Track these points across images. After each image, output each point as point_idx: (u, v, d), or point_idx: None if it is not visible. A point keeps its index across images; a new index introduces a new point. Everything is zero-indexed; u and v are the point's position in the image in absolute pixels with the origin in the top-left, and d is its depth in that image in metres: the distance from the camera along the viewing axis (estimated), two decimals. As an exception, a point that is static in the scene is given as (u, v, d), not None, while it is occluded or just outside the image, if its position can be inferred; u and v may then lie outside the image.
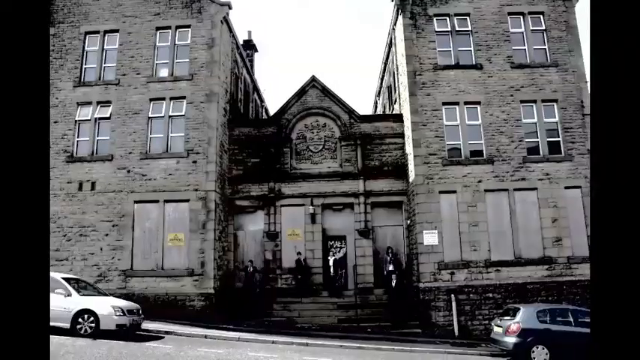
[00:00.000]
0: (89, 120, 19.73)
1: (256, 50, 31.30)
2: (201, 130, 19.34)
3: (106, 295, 14.57)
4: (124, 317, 13.01)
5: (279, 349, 13.19)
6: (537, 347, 13.00)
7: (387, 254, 19.72)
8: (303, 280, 19.47)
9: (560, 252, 18.02)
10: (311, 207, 20.44)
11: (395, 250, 19.95)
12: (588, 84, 18.91)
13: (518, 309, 13.95)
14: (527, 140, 19.06)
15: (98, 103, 19.81)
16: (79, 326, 12.55)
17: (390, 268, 19.36)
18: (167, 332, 14.43)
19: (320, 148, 21.37)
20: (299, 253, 19.83)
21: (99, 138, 19.69)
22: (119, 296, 15.85)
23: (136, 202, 18.90)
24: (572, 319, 13.53)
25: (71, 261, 18.32)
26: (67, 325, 12.48)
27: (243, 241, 20.91)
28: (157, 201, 18.87)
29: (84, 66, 20.43)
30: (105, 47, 20.53)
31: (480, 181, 18.62)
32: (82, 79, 20.22)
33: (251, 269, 19.64)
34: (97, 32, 20.50)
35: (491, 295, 17.65)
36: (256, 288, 19.48)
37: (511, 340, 13.26)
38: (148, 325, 14.71)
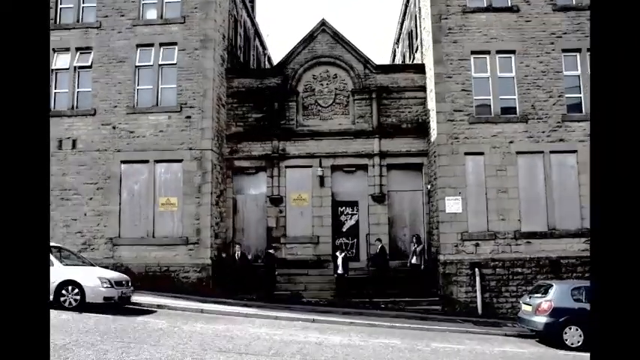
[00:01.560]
0: (67, 69, 19.54)
1: (258, -12, 30.65)
2: (195, 80, 19.14)
3: (91, 265, 14.78)
4: (112, 289, 13.22)
5: (283, 326, 13.40)
6: (570, 328, 13.08)
7: (413, 243, 19.43)
8: (383, 269, 18.99)
9: (600, 222, 17.93)
10: (319, 169, 20.41)
11: (422, 240, 19.71)
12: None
13: (551, 286, 14.01)
14: (567, 96, 18.70)
15: (77, 49, 19.57)
16: (62, 298, 12.77)
17: (414, 260, 19.15)
18: (159, 306, 14.69)
19: (330, 103, 21.17)
20: (379, 240, 19.41)
21: (79, 90, 19.55)
22: (106, 266, 16.09)
23: (123, 162, 18.93)
24: (610, 298, 13.56)
25: (52, 228, 18.49)
26: (50, 298, 12.69)
27: (243, 206, 21.02)
28: (146, 161, 18.89)
29: (59, 5, 20.04)
30: (84, -16, 20.13)
31: (511, 142, 18.41)
32: (58, 21, 19.87)
33: (239, 253, 18.91)
34: (76, -33, 20.05)
35: (520, 270, 17.73)
36: (253, 268, 19.24)
37: (541, 319, 13.35)
38: (138, 298, 14.98)
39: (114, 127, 19.07)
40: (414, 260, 19.07)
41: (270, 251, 18.85)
